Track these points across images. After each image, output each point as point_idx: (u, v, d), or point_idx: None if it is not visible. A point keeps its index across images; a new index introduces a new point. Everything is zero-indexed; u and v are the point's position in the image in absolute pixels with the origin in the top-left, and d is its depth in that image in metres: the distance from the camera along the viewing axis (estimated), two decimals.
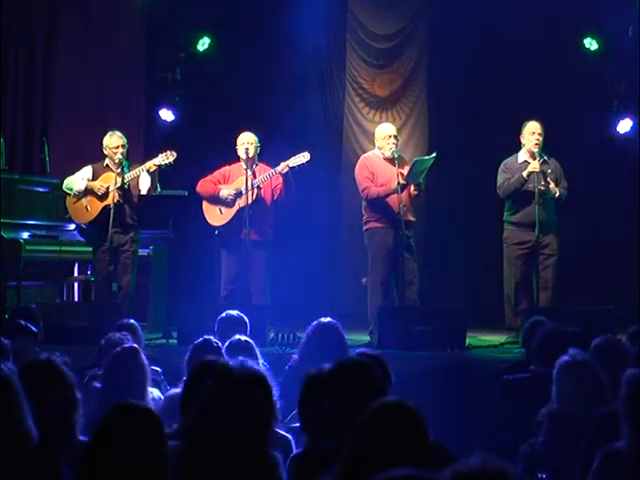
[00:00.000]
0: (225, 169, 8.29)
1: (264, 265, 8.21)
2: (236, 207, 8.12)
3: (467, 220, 10.70)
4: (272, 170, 8.08)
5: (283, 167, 8.01)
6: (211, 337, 4.97)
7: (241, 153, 8.17)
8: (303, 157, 8.04)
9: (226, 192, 8.13)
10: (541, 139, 8.02)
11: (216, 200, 8.17)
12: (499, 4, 10.16)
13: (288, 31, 10.22)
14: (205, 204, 8.25)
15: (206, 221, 8.26)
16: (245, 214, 7.99)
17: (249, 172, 8.09)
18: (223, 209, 8.16)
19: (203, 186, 8.28)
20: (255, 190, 8.07)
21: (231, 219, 8.13)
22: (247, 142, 8.17)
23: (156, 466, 2.76)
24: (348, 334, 5.85)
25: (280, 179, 8.12)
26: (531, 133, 8.02)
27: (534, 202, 7.86)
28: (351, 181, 8.67)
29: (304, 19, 10.29)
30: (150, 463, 2.75)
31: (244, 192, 8.05)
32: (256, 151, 8.20)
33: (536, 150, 7.98)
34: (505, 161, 8.20)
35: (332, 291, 10.79)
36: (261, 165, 8.25)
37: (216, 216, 8.19)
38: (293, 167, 8.01)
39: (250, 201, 8.04)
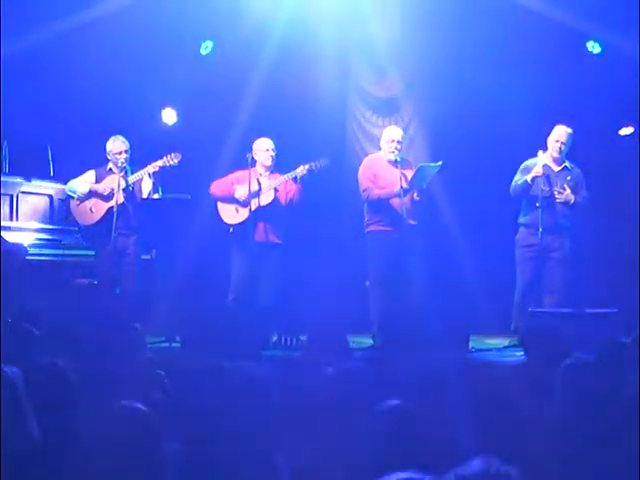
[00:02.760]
0: (239, 173, 8.26)
1: (279, 267, 8.24)
2: (253, 207, 8.14)
3: (471, 222, 10.68)
4: (291, 172, 8.12)
5: (302, 170, 8.06)
6: None
7: (262, 159, 8.19)
8: (321, 161, 8.12)
9: (241, 191, 8.15)
10: (564, 148, 8.04)
11: (231, 200, 8.18)
12: (501, 6, 10.16)
13: (289, 34, 10.23)
14: (220, 204, 8.27)
15: (221, 219, 8.26)
16: (260, 215, 8.05)
17: (264, 174, 8.14)
18: (239, 208, 8.19)
19: (217, 187, 8.31)
20: (273, 192, 8.11)
21: (247, 218, 8.14)
22: (271, 149, 8.21)
23: (154, 466, 2.76)
24: (351, 337, 5.84)
25: (294, 185, 8.16)
26: (555, 140, 8.07)
27: (538, 205, 7.87)
28: (354, 184, 8.67)
29: (304, 21, 10.30)
30: (147, 463, 2.75)
31: (260, 193, 8.09)
32: (274, 159, 8.27)
33: (554, 156, 8.01)
34: (526, 161, 8.21)
35: (334, 293, 10.77)
36: (276, 174, 8.29)
37: (232, 214, 8.21)
38: (311, 170, 8.08)
39: (265, 203, 8.08)
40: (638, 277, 9.29)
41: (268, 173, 8.26)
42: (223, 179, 8.37)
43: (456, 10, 10.55)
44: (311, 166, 8.11)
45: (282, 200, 8.20)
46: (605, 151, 9.89)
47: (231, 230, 8.23)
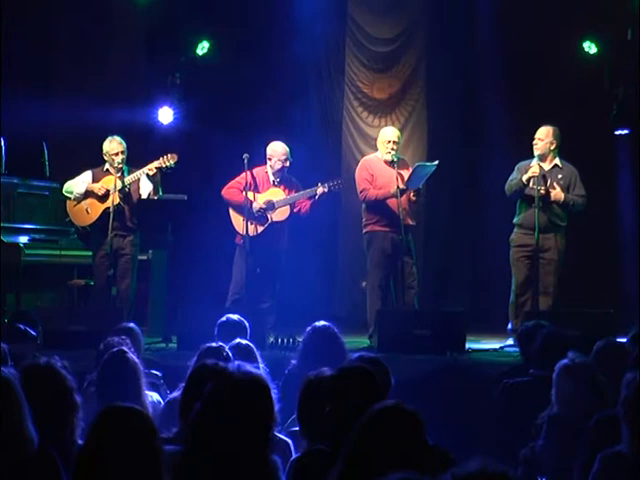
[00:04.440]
0: (248, 174, 8.08)
1: (279, 270, 8.23)
2: (268, 222, 8.09)
3: (467, 223, 10.70)
4: (309, 191, 8.06)
5: (321, 192, 8.01)
6: (219, 345, 4.83)
7: (276, 166, 8.14)
8: (339, 184, 8.07)
9: (257, 206, 8.07)
10: (541, 144, 8.01)
11: (245, 211, 8.05)
12: (498, 7, 10.17)
13: (287, 35, 10.24)
14: (233, 212, 8.17)
15: (234, 228, 8.17)
16: (271, 226, 8.03)
17: (277, 183, 8.13)
18: (254, 222, 8.05)
19: (229, 193, 8.19)
20: (289, 209, 8.09)
21: (260, 232, 8.08)
22: (288, 157, 8.16)
23: (150, 467, 2.76)
24: (347, 337, 5.84)
25: (307, 200, 8.13)
26: (535, 138, 8.04)
27: (534, 205, 7.86)
28: (350, 185, 8.67)
29: (303, 23, 10.31)
30: (144, 464, 2.75)
31: (276, 206, 8.06)
32: (287, 168, 8.23)
33: (536, 154, 8.00)
34: (521, 162, 8.18)
35: (331, 294, 10.79)
36: (289, 189, 8.24)
37: (246, 227, 8.06)
38: (330, 190, 8.04)
39: (280, 219, 8.06)
40: (637, 277, 9.31)
41: (279, 180, 8.22)
42: (234, 184, 8.20)
43: (452, 10, 10.57)
44: (330, 187, 8.06)
45: (293, 212, 8.18)
46: (602, 152, 9.91)
47: (241, 241, 8.12)
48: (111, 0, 10.20)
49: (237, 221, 8.12)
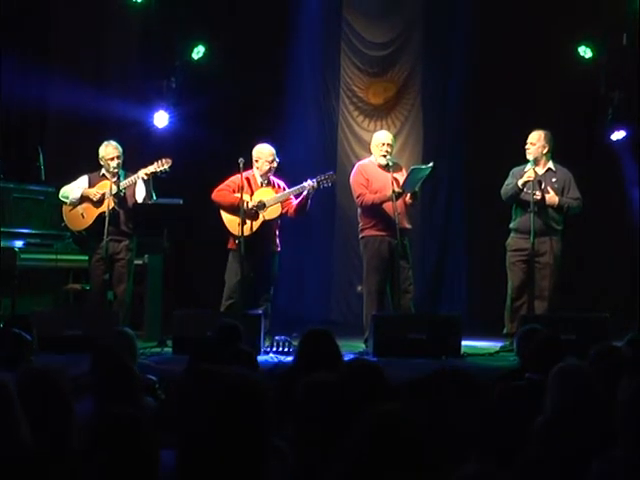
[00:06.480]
0: (237, 177, 8.04)
1: (274, 273, 8.20)
2: (260, 219, 8.05)
3: (463, 227, 10.71)
4: (298, 187, 8.02)
5: (309, 186, 7.95)
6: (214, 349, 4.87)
7: (263, 168, 8.09)
8: (329, 176, 8.01)
9: (248, 204, 8.01)
10: (533, 148, 8.03)
11: (237, 211, 8.03)
12: (493, 11, 10.19)
13: (283, 39, 10.25)
14: (225, 214, 8.11)
15: (227, 231, 8.12)
16: (264, 226, 8.00)
17: (265, 185, 8.10)
18: (247, 221, 8.01)
19: (220, 195, 8.14)
20: (279, 206, 8.04)
21: (256, 230, 8.02)
22: (275, 158, 8.12)
23: (146, 472, 2.75)
24: (343, 342, 5.84)
25: (293, 198, 8.08)
26: (527, 143, 8.05)
27: (529, 210, 7.87)
28: (346, 189, 8.66)
29: (299, 27, 10.32)
30: (140, 469, 2.74)
31: (267, 205, 8.01)
32: (274, 169, 8.19)
33: (529, 159, 8.02)
34: (516, 167, 8.19)
35: (327, 299, 10.79)
36: (277, 188, 8.21)
37: (239, 228, 8.00)
38: (318, 186, 7.98)
39: (273, 217, 8.02)
40: (634, 281, 9.31)
41: (267, 182, 8.18)
42: (224, 186, 8.16)
43: (448, 14, 10.60)
44: (320, 183, 8.00)
45: (283, 211, 8.15)
46: (598, 156, 9.92)
47: (236, 242, 8.06)
48: (106, 4, 10.19)
49: (230, 222, 8.08)
